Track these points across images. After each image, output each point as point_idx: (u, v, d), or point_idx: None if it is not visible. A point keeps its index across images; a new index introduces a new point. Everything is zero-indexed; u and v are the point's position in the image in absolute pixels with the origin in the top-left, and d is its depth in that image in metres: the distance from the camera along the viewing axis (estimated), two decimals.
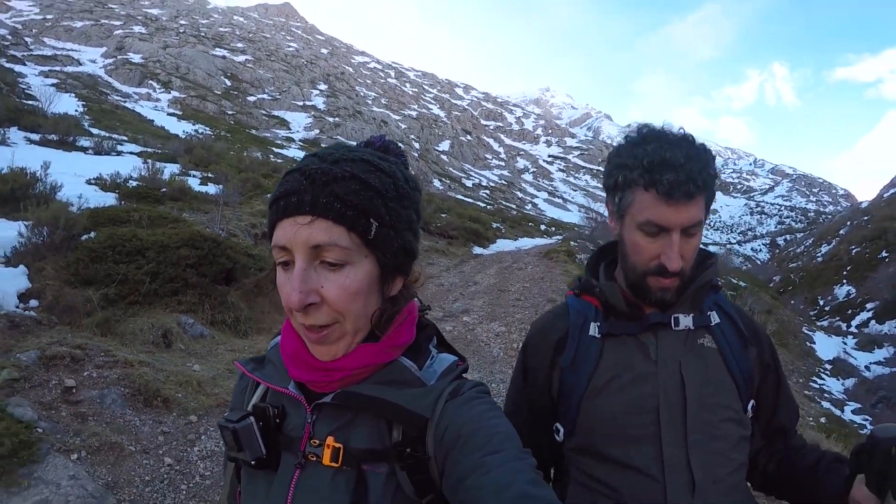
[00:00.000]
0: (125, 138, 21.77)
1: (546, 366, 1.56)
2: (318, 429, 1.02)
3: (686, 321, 1.48)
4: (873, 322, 28.58)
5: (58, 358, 4.04)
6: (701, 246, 1.56)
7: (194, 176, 14.51)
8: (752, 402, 1.52)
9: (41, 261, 5.94)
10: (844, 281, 36.09)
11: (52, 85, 36.71)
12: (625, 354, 1.49)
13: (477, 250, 21.22)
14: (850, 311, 31.47)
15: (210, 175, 14.66)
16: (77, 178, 11.71)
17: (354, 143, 1.11)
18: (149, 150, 19.40)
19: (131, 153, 17.98)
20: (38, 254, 6.06)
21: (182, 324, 5.38)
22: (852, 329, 29.35)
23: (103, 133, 21.36)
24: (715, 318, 1.52)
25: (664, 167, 1.36)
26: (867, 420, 14.85)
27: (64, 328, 4.77)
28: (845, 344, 27.13)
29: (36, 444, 3.18)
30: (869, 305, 30.42)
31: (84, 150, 17.01)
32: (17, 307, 5.16)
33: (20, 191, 8.12)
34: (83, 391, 3.85)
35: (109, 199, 9.67)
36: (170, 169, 14.67)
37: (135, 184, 10.95)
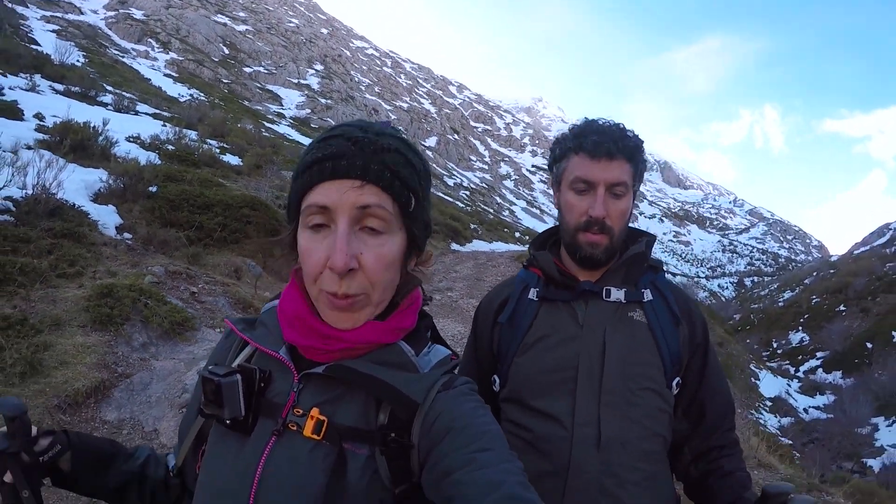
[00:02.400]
0: (135, 97, 23.01)
1: (489, 325, 1.79)
2: (304, 399, 1.02)
3: (618, 294, 1.66)
4: (820, 370, 30.26)
5: (177, 273, 5.87)
6: (641, 229, 1.82)
7: (211, 145, 15.82)
8: (677, 378, 1.67)
9: (125, 203, 7.68)
10: (800, 328, 37.91)
11: (53, 31, 36.91)
12: (556, 318, 1.68)
13: (454, 247, 22.75)
14: (800, 357, 33.06)
15: (226, 146, 16.13)
16: (115, 133, 13.28)
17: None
18: (162, 112, 20.77)
19: (146, 114, 19.24)
20: (123, 197, 7.79)
21: (247, 264, 7.20)
22: (799, 374, 30.93)
23: (116, 91, 22.57)
24: (648, 295, 1.69)
25: (590, 132, 1.64)
26: (796, 455, 16.40)
27: (161, 256, 6.54)
28: (789, 385, 28.69)
29: (191, 320, 5.01)
30: (819, 354, 32.12)
31: (104, 105, 18.15)
32: (116, 237, 6.91)
33: (88, 141, 9.79)
34: (202, 296, 5.69)
35: (152, 157, 11.27)
36: (188, 135, 16.02)
37: (171, 147, 12.55)
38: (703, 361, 1.71)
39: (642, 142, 1.69)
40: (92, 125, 10.44)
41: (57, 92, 17.48)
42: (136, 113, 18.98)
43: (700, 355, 1.71)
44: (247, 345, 1.15)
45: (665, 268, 1.84)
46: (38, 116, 11.52)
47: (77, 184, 7.62)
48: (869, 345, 29.42)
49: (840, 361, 29.78)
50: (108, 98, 19.39)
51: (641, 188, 1.88)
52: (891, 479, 12.59)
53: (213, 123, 18.47)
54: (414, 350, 1.09)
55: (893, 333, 29.23)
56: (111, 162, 8.55)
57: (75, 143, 9.48)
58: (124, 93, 22.31)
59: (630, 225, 1.75)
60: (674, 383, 1.66)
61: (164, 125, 16.44)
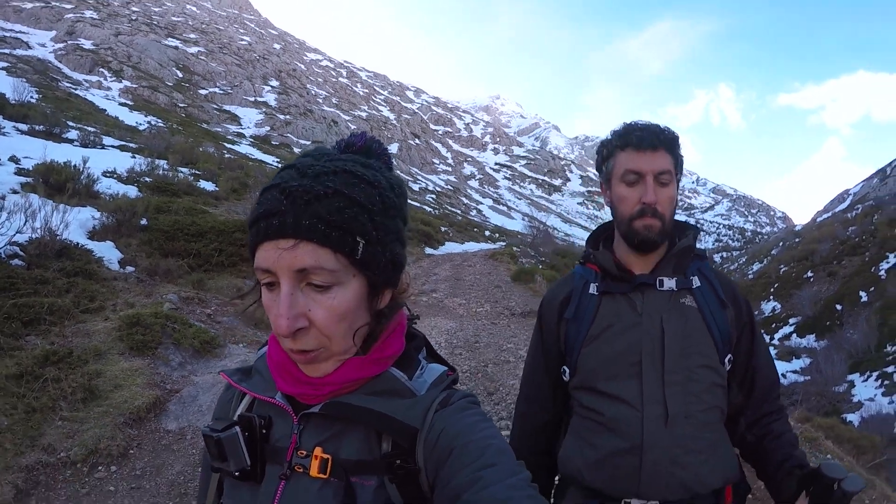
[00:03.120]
0: (97, 130, 22.99)
1: (555, 320, 1.91)
2: (305, 439, 1.02)
3: (670, 283, 1.79)
4: (795, 335, 30.59)
5: (190, 298, 6.37)
6: (685, 220, 1.97)
7: (184, 173, 15.95)
8: (729, 355, 1.81)
9: (121, 238, 8.12)
10: (771, 297, 38.54)
11: (3, 68, 36.57)
12: (617, 309, 1.81)
13: (428, 251, 23.01)
14: (774, 325, 33.29)
15: (198, 172, 16.44)
16: (91, 169, 13.58)
17: (334, 145, 1.10)
18: (128, 144, 20.85)
19: (112, 146, 19.11)
20: (118, 232, 8.22)
21: (248, 284, 7.69)
22: (774, 341, 31.08)
23: (78, 126, 22.55)
24: (696, 282, 1.82)
25: (633, 129, 1.80)
26: None
27: (169, 285, 7.01)
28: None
29: (216, 338, 5.52)
30: (792, 320, 32.45)
31: (70, 141, 17.92)
32: (120, 270, 7.35)
33: (71, 181, 10.16)
34: (218, 317, 6.20)
35: (132, 190, 11.62)
36: (160, 165, 16.22)
37: (148, 179, 12.93)
38: (751, 338, 1.86)
39: (678, 136, 1.84)
40: (73, 164, 10.79)
41: (22, 132, 17.46)
42: (104, 147, 18.91)
43: (748, 333, 1.86)
44: (245, 394, 1.16)
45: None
46: (14, 159, 11.79)
47: (72, 223, 8.02)
48: (839, 307, 30.11)
49: (812, 325, 30.33)
50: (73, 134, 19.38)
51: None
52: (870, 430, 13.26)
53: (180, 150, 18.79)
54: (406, 374, 1.08)
55: (861, 293, 30.09)
56: (98, 199, 8.93)
57: (58, 184, 9.86)
58: (87, 127, 22.25)
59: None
60: (726, 360, 1.79)
61: (134, 157, 16.61)
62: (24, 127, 18.09)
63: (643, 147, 1.76)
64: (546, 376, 1.94)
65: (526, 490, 0.88)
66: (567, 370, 1.87)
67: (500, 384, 6.80)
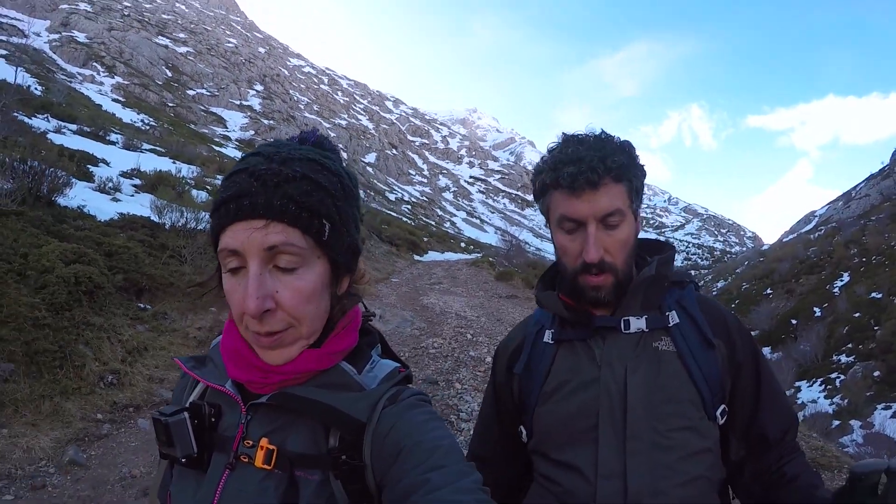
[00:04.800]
0: (116, 129, 24.57)
1: (505, 375, 1.65)
2: (252, 430, 1.04)
3: (638, 323, 1.48)
4: None
5: None
6: (656, 237, 1.67)
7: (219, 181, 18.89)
8: (722, 406, 1.48)
9: None
10: (732, 312, 42.34)
11: (2, 56, 38.12)
12: (574, 360, 1.53)
13: (416, 257, 26.62)
14: None
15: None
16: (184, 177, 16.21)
17: (288, 140, 1.12)
18: (157, 147, 23.09)
19: (147, 149, 21.05)
20: None
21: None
22: None
23: (118, 131, 24.79)
24: (674, 318, 1.49)
25: (566, 162, 1.42)
26: None
27: None
28: None
29: None
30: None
31: (113, 143, 20.35)
32: None
33: (174, 187, 13.56)
34: None
35: (203, 194, 14.73)
36: (196, 171, 19.02)
37: (209, 184, 16.33)
38: (756, 381, 1.51)
39: (633, 149, 1.49)
40: (174, 173, 14.10)
41: (73, 133, 19.58)
42: (142, 150, 20.72)
43: (749, 374, 1.50)
44: (199, 382, 1.17)
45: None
46: (104, 161, 14.94)
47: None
48: (794, 321, 33.43)
49: (768, 338, 33.09)
50: (115, 137, 21.91)
51: None
52: (809, 427, 16.08)
53: (210, 161, 21.88)
54: (356, 368, 1.10)
55: (815, 309, 33.50)
56: (183, 199, 12.20)
57: (165, 188, 13.21)
58: (114, 129, 24.44)
59: (644, 236, 1.61)
60: (718, 413, 1.46)
61: (174, 162, 19.53)
62: (73, 127, 20.33)
63: (578, 188, 1.40)
64: (500, 433, 1.67)
65: (475, 494, 0.88)
66: (523, 431, 1.60)
67: (502, 330, 10.64)
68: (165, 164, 17.93)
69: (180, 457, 1.05)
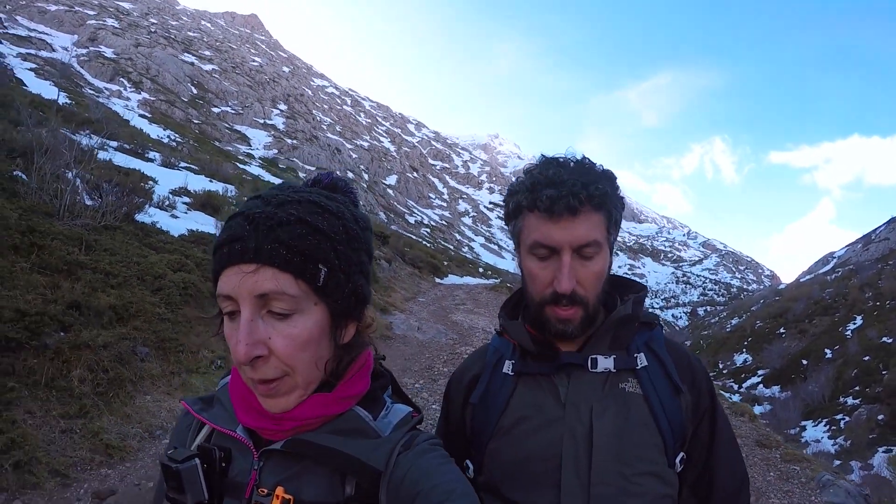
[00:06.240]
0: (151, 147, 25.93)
1: (460, 404, 1.60)
2: (266, 477, 1.04)
3: (606, 363, 1.44)
4: (761, 386, 34.14)
5: None
6: (632, 278, 1.62)
7: None
8: (681, 454, 1.47)
9: None
10: (744, 350, 42.00)
11: (31, 70, 37.53)
12: (536, 396, 1.48)
13: (437, 280, 27.05)
14: (743, 375, 36.84)
15: None
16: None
17: (301, 182, 1.14)
18: (192, 166, 23.45)
19: (183, 167, 21.81)
20: None
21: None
22: (742, 390, 34.42)
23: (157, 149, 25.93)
24: (643, 360, 1.47)
25: (545, 185, 1.37)
26: None
27: None
28: (730, 398, 33.88)
29: None
30: (760, 372, 36.06)
31: (151, 161, 20.61)
32: None
33: (223, 206, 14.69)
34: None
35: None
36: (230, 188, 19.69)
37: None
38: (711, 430, 1.51)
39: (614, 178, 1.45)
40: (220, 192, 15.21)
41: (115, 150, 19.57)
42: (178, 168, 21.55)
43: (707, 423, 1.50)
44: (205, 424, 1.16)
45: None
46: (153, 179, 16.08)
47: None
48: (804, 361, 33.71)
49: (778, 377, 33.73)
50: (154, 154, 22.39)
51: None
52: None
53: (238, 179, 23.02)
54: (371, 414, 1.10)
55: (826, 351, 33.71)
56: None
57: (215, 207, 14.14)
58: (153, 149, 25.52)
59: (614, 273, 1.55)
60: (677, 460, 1.44)
61: (211, 181, 20.13)
62: (114, 144, 20.17)
63: (557, 213, 1.36)
64: None
65: None
66: (471, 466, 1.55)
67: None
68: (204, 183, 18.49)
69: None
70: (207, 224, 12.09)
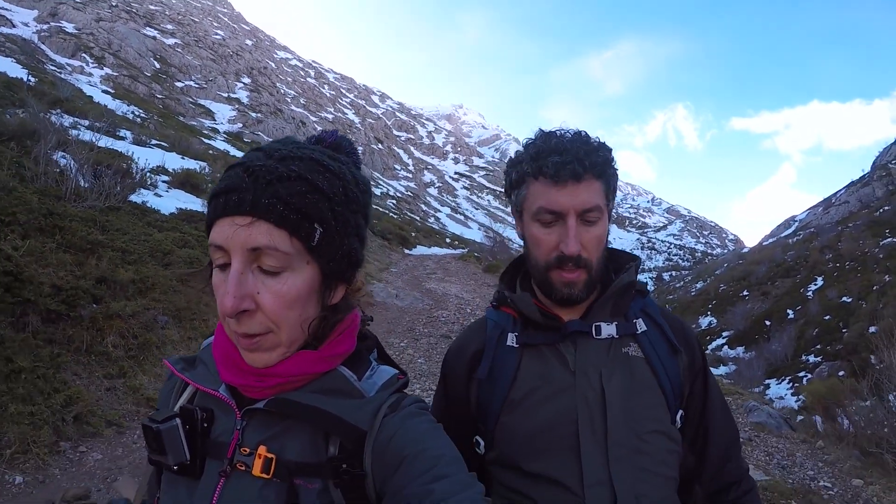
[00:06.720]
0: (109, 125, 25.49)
1: (463, 380, 1.61)
2: (248, 436, 1.03)
3: (609, 329, 1.50)
4: (726, 347, 34.89)
5: None
6: (624, 250, 1.69)
7: None
8: (680, 411, 1.54)
9: None
10: (709, 312, 42.47)
11: None
12: (543, 366, 1.51)
13: (406, 251, 28.21)
14: (708, 337, 37.10)
15: None
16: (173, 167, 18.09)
17: (304, 139, 1.11)
18: (162, 143, 23.71)
19: (154, 145, 21.95)
20: None
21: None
22: (707, 352, 34.97)
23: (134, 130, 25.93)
24: (642, 325, 1.54)
25: (549, 152, 1.44)
26: None
27: None
28: None
29: None
30: (725, 333, 36.62)
31: (123, 139, 20.48)
32: None
33: (202, 183, 15.44)
34: None
35: None
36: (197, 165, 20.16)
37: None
38: (704, 387, 1.60)
39: (611, 150, 1.52)
40: (197, 170, 15.88)
41: (86, 129, 19.23)
42: (151, 146, 21.65)
43: (700, 381, 1.60)
44: (188, 384, 1.16)
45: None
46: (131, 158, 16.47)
47: None
48: (767, 322, 34.25)
49: (742, 338, 34.34)
50: (124, 132, 22.39)
51: None
52: None
53: (217, 157, 23.55)
54: (356, 374, 1.10)
55: (788, 311, 34.49)
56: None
57: (193, 185, 15.07)
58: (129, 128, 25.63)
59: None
60: (678, 417, 1.53)
61: (183, 157, 20.83)
62: (85, 122, 20.21)
63: (562, 179, 1.42)
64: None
65: None
66: (481, 442, 1.58)
67: None
68: (178, 161, 19.11)
69: (172, 464, 1.04)
70: (193, 203, 13.09)
